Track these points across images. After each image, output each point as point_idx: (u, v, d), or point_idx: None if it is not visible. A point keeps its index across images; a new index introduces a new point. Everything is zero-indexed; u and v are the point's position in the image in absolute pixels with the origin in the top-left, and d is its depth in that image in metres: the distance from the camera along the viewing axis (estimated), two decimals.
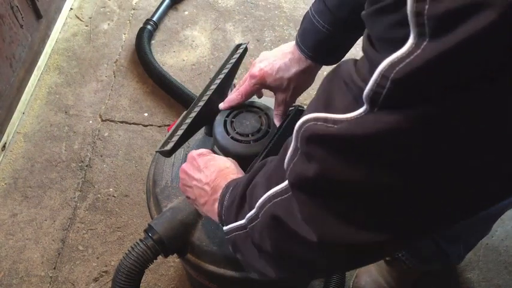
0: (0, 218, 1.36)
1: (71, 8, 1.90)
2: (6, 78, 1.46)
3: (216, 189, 0.64)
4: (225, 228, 0.58)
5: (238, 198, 0.55)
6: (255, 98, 0.90)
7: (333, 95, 0.41)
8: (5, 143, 1.49)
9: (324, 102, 0.41)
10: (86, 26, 1.85)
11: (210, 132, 0.86)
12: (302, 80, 0.78)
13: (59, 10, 1.81)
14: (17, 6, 1.49)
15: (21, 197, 1.41)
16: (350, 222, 0.40)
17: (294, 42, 0.78)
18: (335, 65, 0.44)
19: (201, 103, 0.80)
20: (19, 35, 1.52)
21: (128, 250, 0.77)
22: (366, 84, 0.35)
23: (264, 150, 0.73)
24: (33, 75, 1.63)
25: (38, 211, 1.38)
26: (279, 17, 1.87)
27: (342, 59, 0.78)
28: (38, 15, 1.64)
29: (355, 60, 0.41)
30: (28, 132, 1.55)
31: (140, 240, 0.78)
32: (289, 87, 0.77)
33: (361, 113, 0.36)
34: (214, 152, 0.79)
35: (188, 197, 0.72)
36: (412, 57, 0.31)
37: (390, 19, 0.33)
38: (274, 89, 0.78)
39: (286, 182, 0.45)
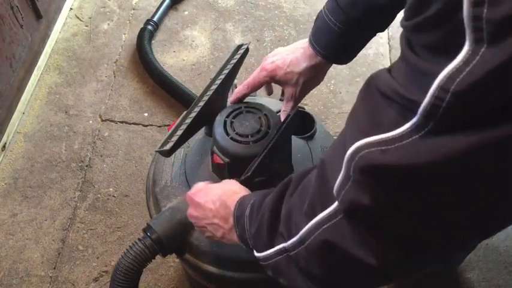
0: (0, 218, 1.36)
1: (71, 8, 1.90)
2: (6, 78, 1.46)
3: (226, 218, 0.63)
4: (259, 255, 0.56)
5: (267, 224, 0.53)
6: (255, 98, 0.90)
7: (377, 113, 0.38)
8: (5, 143, 1.49)
9: (369, 122, 0.39)
10: (86, 26, 1.85)
11: (210, 133, 0.85)
12: (312, 75, 0.78)
13: (59, 10, 1.81)
14: (17, 6, 1.49)
15: (21, 197, 1.41)
16: (407, 247, 0.41)
17: (307, 40, 0.78)
18: (367, 81, 0.42)
19: (201, 103, 0.80)
20: (19, 35, 1.52)
21: (126, 249, 0.78)
22: (416, 95, 0.33)
23: (264, 151, 0.73)
24: (33, 75, 1.63)
25: (38, 211, 1.38)
26: (279, 17, 1.87)
27: (354, 58, 0.78)
28: (38, 15, 1.64)
29: (389, 70, 0.39)
30: (28, 132, 1.55)
31: (139, 239, 0.78)
32: (299, 82, 0.77)
33: (412, 127, 0.35)
34: (214, 152, 0.79)
35: (209, 237, 0.71)
36: (471, 66, 0.29)
37: (440, 28, 0.31)
38: (284, 83, 0.79)
39: (334, 206, 0.44)
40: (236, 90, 0.82)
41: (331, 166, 0.44)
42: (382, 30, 0.75)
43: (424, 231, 0.39)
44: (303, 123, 0.90)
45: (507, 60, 0.27)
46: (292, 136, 0.84)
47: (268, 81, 0.80)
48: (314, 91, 1.70)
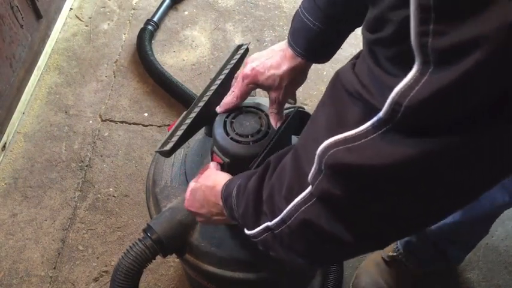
0: (0, 218, 1.36)
1: (71, 8, 1.90)
2: (6, 78, 1.46)
3: (220, 210, 0.68)
4: (249, 232, 0.60)
5: (252, 204, 0.57)
6: (255, 99, 0.90)
7: (342, 110, 0.42)
8: (5, 143, 1.49)
9: (336, 120, 0.43)
10: (86, 26, 1.85)
11: (210, 133, 0.86)
12: (294, 77, 0.77)
13: (59, 10, 1.81)
14: (17, 6, 1.49)
15: (21, 197, 1.41)
16: (377, 226, 0.46)
17: (285, 41, 0.78)
18: (333, 77, 0.45)
19: (201, 103, 0.80)
20: (19, 35, 1.52)
21: (127, 249, 0.78)
22: (376, 101, 0.37)
23: (264, 151, 0.73)
24: (33, 75, 1.63)
25: (38, 211, 1.38)
26: (279, 17, 1.87)
27: (332, 57, 0.79)
28: (38, 15, 1.64)
29: (352, 67, 0.42)
30: (28, 132, 1.55)
31: (139, 239, 0.78)
32: (282, 85, 0.77)
33: (373, 125, 0.38)
34: (214, 152, 0.79)
35: (203, 221, 0.76)
36: (420, 84, 0.32)
37: (394, 47, 0.35)
38: (267, 87, 0.78)
39: (308, 190, 0.48)
40: (225, 101, 0.80)
41: (305, 155, 0.48)
42: (360, 25, 0.75)
43: (390, 216, 0.44)
44: (302, 123, 0.90)
45: (449, 84, 0.31)
46: (292, 136, 0.84)
47: (253, 88, 0.79)
48: (314, 91, 1.71)
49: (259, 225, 0.57)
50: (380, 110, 0.37)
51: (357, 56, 0.44)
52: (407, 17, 0.31)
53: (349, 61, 0.45)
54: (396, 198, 0.42)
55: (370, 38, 0.37)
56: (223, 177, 0.70)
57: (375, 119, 0.38)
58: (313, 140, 0.45)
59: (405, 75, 0.33)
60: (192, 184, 0.76)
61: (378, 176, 0.40)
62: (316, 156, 0.44)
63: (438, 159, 0.36)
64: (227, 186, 0.65)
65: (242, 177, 0.62)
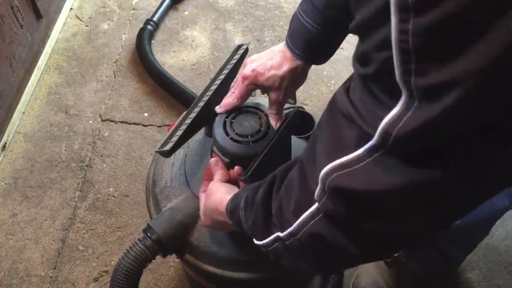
0: (0, 218, 1.36)
1: (71, 8, 1.90)
2: (6, 78, 1.46)
3: (225, 221, 0.70)
4: (258, 242, 0.61)
5: (261, 217, 0.59)
6: (255, 99, 0.90)
7: (340, 134, 0.44)
8: (5, 143, 1.49)
9: (335, 144, 0.45)
10: (86, 26, 1.85)
11: (209, 133, 0.86)
12: (294, 78, 0.78)
13: (59, 10, 1.81)
14: (17, 6, 1.49)
15: (21, 197, 1.41)
16: (383, 242, 0.48)
17: (284, 43, 0.78)
18: (330, 102, 0.48)
19: (201, 103, 0.80)
20: (19, 35, 1.52)
21: (127, 250, 0.78)
22: (369, 128, 0.39)
23: (263, 151, 0.73)
24: (33, 75, 1.63)
25: (38, 211, 1.38)
26: (279, 17, 1.87)
27: (331, 57, 0.79)
28: (38, 15, 1.64)
29: (346, 90, 0.44)
30: (28, 132, 1.55)
31: (139, 239, 0.78)
32: (282, 85, 0.77)
33: (368, 149, 0.41)
34: (213, 153, 0.79)
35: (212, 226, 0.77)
36: (407, 116, 0.35)
37: (380, 82, 0.37)
38: (267, 88, 0.78)
39: (316, 205, 0.50)
40: (226, 102, 0.80)
41: (310, 174, 0.50)
42: None
43: (394, 233, 0.47)
44: (302, 123, 0.90)
45: (433, 117, 0.33)
46: (292, 136, 0.84)
47: (253, 89, 0.79)
48: (314, 91, 1.71)
49: (269, 236, 0.58)
50: (372, 135, 0.39)
51: (351, 79, 0.46)
52: (389, 58, 0.33)
53: (344, 84, 0.47)
54: (397, 219, 0.44)
55: (359, 70, 0.39)
56: (224, 193, 0.71)
57: (368, 144, 0.40)
58: (316, 162, 0.48)
59: (393, 104, 0.35)
60: (201, 197, 0.77)
61: (377, 200, 0.42)
62: (320, 179, 0.46)
63: (432, 185, 0.39)
64: (233, 199, 0.67)
65: (248, 190, 0.63)
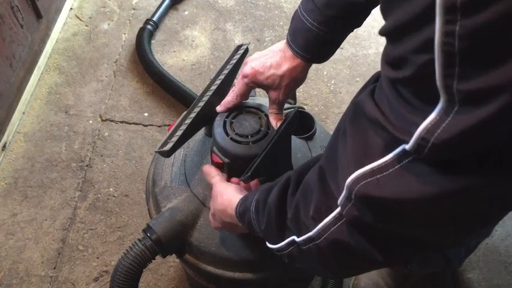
0: (0, 217, 1.36)
1: (71, 8, 1.90)
2: (6, 78, 1.46)
3: (235, 223, 0.69)
4: (272, 246, 0.60)
5: (275, 220, 0.58)
6: (255, 99, 0.90)
7: (366, 140, 0.43)
8: (5, 143, 1.49)
9: (361, 150, 0.44)
10: (86, 26, 1.85)
11: (209, 133, 0.86)
12: (294, 77, 0.78)
13: (59, 10, 1.81)
14: (17, 6, 1.49)
15: (21, 196, 1.41)
16: (407, 247, 0.47)
17: (284, 41, 0.78)
18: (354, 107, 0.46)
19: (201, 104, 0.80)
20: (19, 35, 1.52)
21: (126, 250, 0.78)
22: (402, 135, 0.38)
23: (263, 151, 0.73)
24: (33, 75, 1.63)
25: (38, 211, 1.38)
26: (279, 17, 1.87)
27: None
28: (38, 15, 1.64)
29: (371, 94, 0.43)
30: (28, 132, 1.55)
31: (138, 240, 0.78)
32: (281, 84, 0.77)
33: (397, 154, 0.39)
34: (213, 153, 0.79)
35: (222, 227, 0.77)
36: (446, 122, 0.34)
37: (418, 84, 0.36)
38: (267, 87, 0.78)
39: (338, 210, 0.49)
40: (225, 100, 0.81)
41: (332, 181, 0.49)
42: (359, 26, 0.75)
43: (420, 240, 0.46)
44: (302, 123, 0.90)
45: (475, 125, 0.32)
46: (292, 136, 0.84)
47: (252, 87, 0.79)
48: (314, 91, 1.71)
49: (283, 240, 0.57)
50: (402, 140, 0.38)
51: (373, 80, 0.44)
52: (430, 60, 0.32)
53: (365, 86, 0.46)
54: (425, 226, 0.43)
55: (391, 74, 0.38)
56: (232, 194, 0.71)
57: (398, 149, 0.39)
58: (339, 168, 0.47)
59: (429, 109, 0.34)
60: (211, 205, 0.77)
61: (406, 207, 0.41)
62: (346, 187, 0.45)
63: (468, 194, 0.38)
64: (242, 201, 0.66)
65: (259, 192, 0.63)
